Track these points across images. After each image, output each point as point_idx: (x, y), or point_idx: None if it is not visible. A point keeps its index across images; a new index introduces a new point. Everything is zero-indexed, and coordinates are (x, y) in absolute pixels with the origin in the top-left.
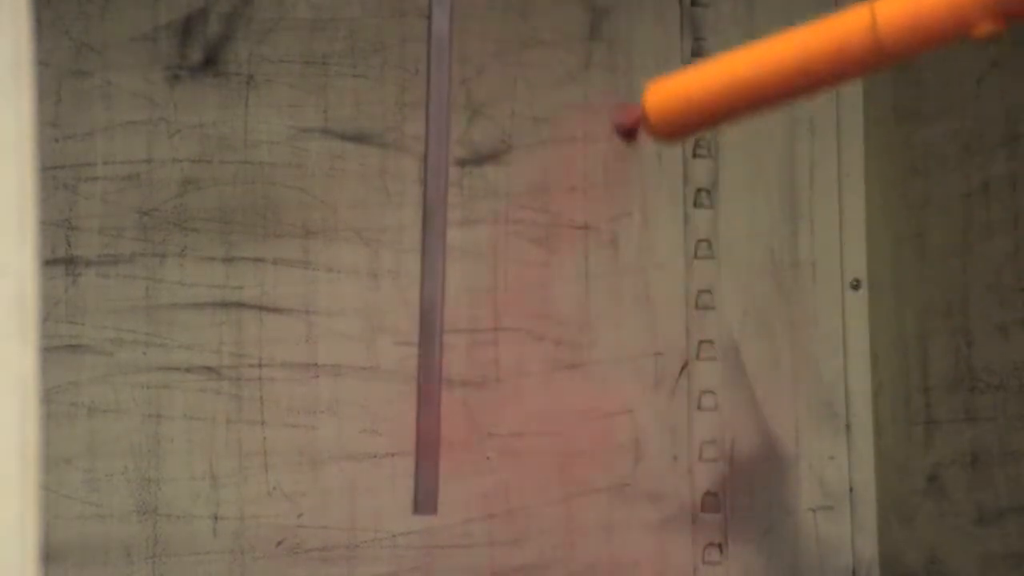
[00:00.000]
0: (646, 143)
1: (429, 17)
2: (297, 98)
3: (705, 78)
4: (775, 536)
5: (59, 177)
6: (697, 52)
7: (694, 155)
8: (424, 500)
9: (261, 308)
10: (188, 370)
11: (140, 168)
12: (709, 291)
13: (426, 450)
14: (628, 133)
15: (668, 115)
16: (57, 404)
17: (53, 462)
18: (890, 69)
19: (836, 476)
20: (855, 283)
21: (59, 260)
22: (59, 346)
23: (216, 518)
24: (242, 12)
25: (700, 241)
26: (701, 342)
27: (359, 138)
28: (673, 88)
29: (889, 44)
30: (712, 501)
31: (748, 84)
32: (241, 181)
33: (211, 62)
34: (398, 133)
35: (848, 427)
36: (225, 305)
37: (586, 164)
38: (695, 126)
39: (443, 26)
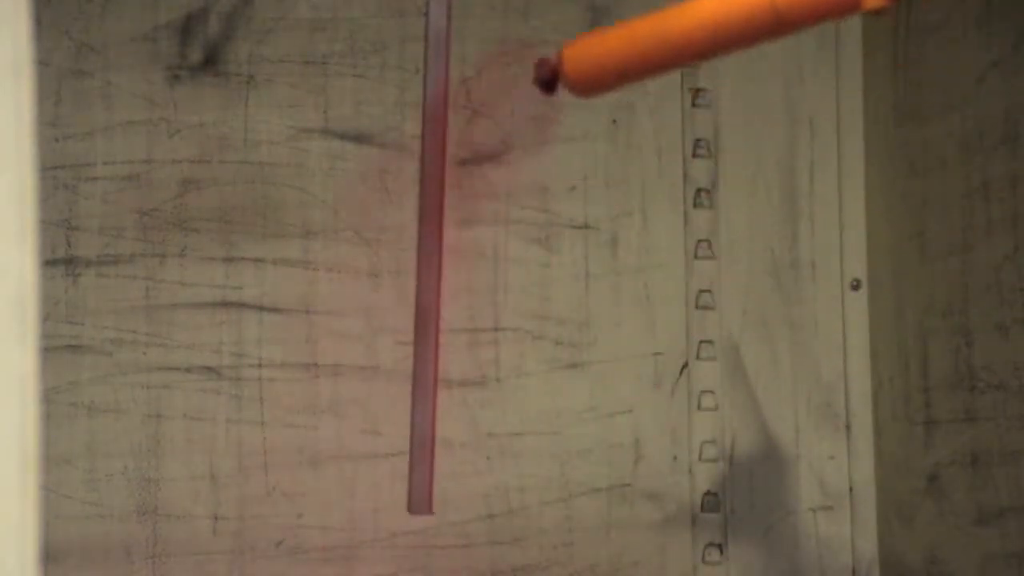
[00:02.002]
0: (571, 98)
1: (426, 15)
2: (297, 98)
3: (617, 39)
4: (775, 536)
5: (59, 177)
6: None
7: (694, 155)
8: (418, 500)
9: (261, 308)
10: (188, 370)
11: (140, 168)
12: (709, 291)
13: (420, 450)
14: (547, 85)
15: (583, 71)
16: (57, 404)
17: (53, 462)
18: (890, 67)
19: (836, 476)
20: (855, 283)
21: (59, 260)
22: (59, 346)
23: (216, 518)
24: (242, 12)
25: (700, 241)
26: (701, 342)
27: (359, 138)
28: (588, 47)
29: (786, 12)
30: (712, 501)
31: (656, 46)
32: (241, 181)
33: (211, 62)
34: (398, 133)
35: (848, 427)
36: (225, 305)
37: (586, 164)
38: (608, 84)
39: (440, 24)
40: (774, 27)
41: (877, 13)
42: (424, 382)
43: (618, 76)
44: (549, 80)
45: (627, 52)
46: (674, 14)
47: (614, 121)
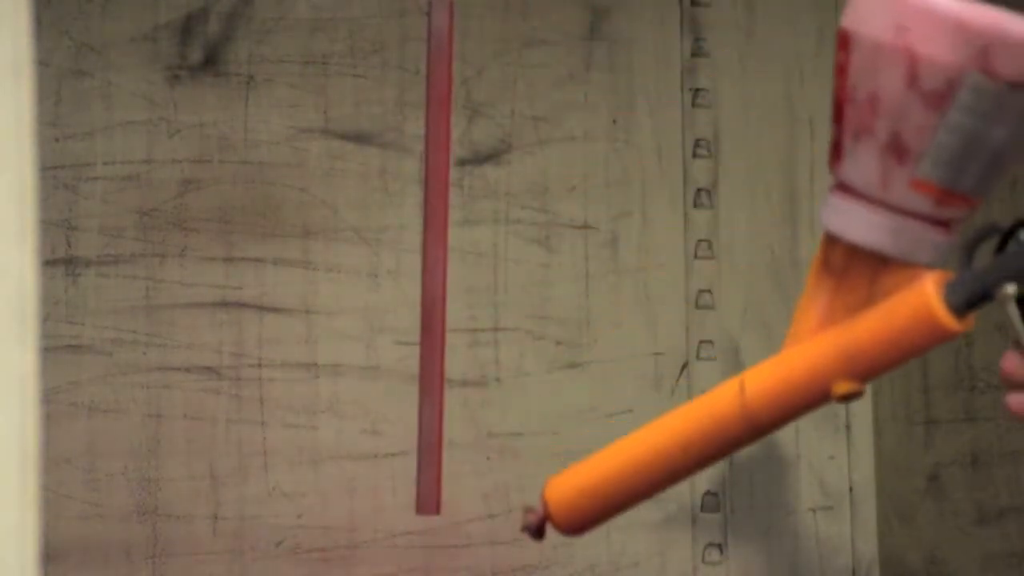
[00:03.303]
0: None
1: (428, 15)
2: (297, 98)
3: (596, 471)
4: (775, 536)
5: (59, 177)
6: (697, 52)
7: (694, 155)
8: (426, 500)
9: (261, 308)
10: (188, 370)
11: (140, 168)
12: (709, 291)
13: (428, 449)
14: (537, 532)
15: (569, 512)
16: (57, 404)
17: (53, 462)
18: None
19: (836, 476)
20: None
21: (59, 260)
22: (59, 346)
23: (216, 518)
24: (242, 12)
25: (700, 241)
26: (701, 342)
27: (359, 138)
28: (568, 485)
29: (757, 413)
30: (712, 501)
31: (637, 471)
32: (241, 181)
33: (211, 62)
34: (398, 133)
35: (848, 427)
36: (225, 305)
37: (586, 164)
38: (596, 516)
39: (442, 24)
40: (748, 433)
41: (848, 399)
42: (431, 382)
43: (607, 511)
44: (538, 528)
45: (609, 487)
46: (647, 434)
47: (614, 121)
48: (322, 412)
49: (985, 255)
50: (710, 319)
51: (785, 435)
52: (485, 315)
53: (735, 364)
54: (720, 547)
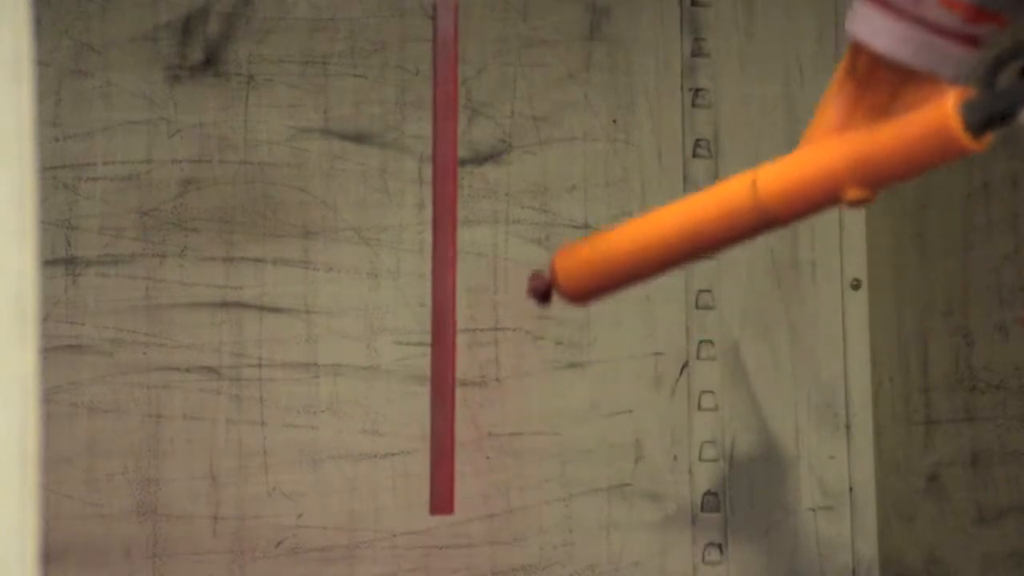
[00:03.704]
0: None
1: (433, 18)
2: (297, 98)
3: (606, 246)
4: (775, 536)
5: (59, 177)
6: (697, 52)
7: (694, 155)
8: (440, 500)
9: (261, 308)
10: (188, 370)
11: (140, 168)
12: (709, 291)
13: (440, 449)
14: (542, 296)
15: (574, 281)
16: (57, 404)
17: (53, 462)
18: None
19: (836, 476)
20: (855, 283)
21: (59, 260)
22: (59, 346)
23: (216, 518)
24: (242, 12)
25: None
26: (701, 342)
27: (359, 138)
28: (577, 256)
29: (770, 208)
30: (712, 501)
31: (645, 251)
32: (241, 181)
33: (211, 62)
34: (398, 133)
35: (848, 427)
36: (225, 305)
37: (586, 164)
38: (601, 290)
39: (448, 27)
40: (758, 226)
41: (858, 204)
42: (442, 381)
43: (610, 285)
44: (544, 292)
45: (616, 262)
46: (658, 218)
47: (614, 121)
48: (322, 412)
49: (1009, 77)
50: (710, 319)
51: (785, 435)
52: (485, 315)
53: (735, 364)
54: (720, 547)
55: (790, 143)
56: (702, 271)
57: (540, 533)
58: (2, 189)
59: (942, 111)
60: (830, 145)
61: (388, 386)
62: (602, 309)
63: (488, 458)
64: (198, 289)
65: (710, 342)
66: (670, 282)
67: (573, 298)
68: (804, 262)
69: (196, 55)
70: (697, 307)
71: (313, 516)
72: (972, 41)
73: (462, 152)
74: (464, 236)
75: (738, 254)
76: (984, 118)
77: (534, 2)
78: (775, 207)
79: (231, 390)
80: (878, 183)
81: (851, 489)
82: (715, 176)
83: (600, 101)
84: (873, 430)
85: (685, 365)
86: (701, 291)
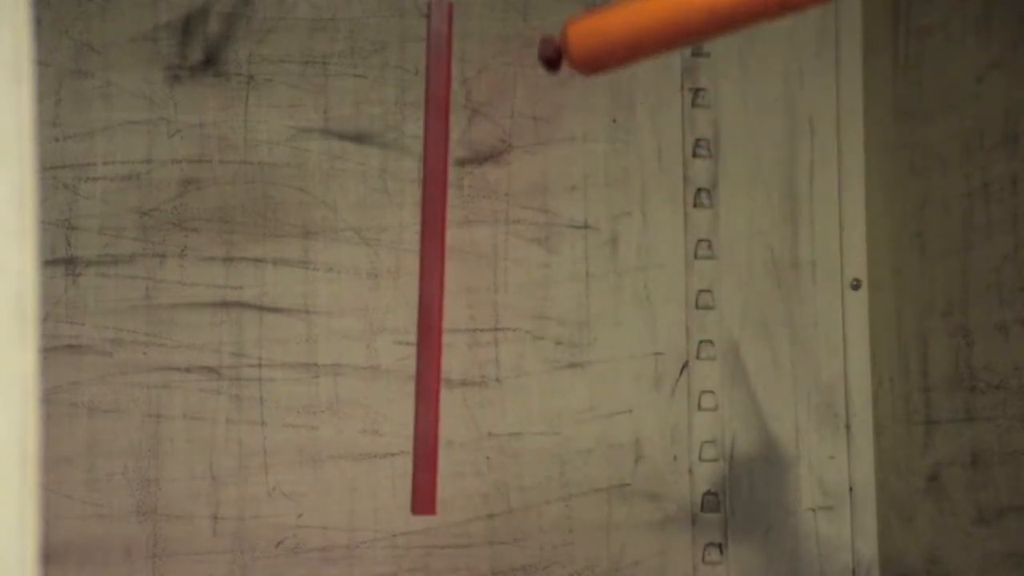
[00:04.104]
0: (577, 78)
1: (428, 16)
2: (297, 98)
3: (623, 14)
4: (775, 536)
5: (59, 177)
6: (697, 52)
7: (694, 155)
8: (421, 500)
9: (261, 308)
10: (188, 370)
11: (140, 168)
12: (709, 291)
13: (424, 450)
14: (551, 63)
15: (588, 49)
16: (57, 404)
17: (53, 462)
18: (890, 67)
19: (836, 476)
20: (855, 283)
21: (59, 260)
22: (59, 346)
23: (216, 518)
24: (242, 12)
25: (700, 241)
26: (701, 342)
27: (359, 138)
28: (591, 24)
29: None
30: (712, 501)
31: (662, 22)
32: (241, 181)
33: (211, 62)
34: (398, 133)
35: (848, 427)
36: (225, 305)
37: (586, 164)
38: (613, 61)
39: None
40: (776, 6)
41: None
42: (427, 382)
43: (624, 53)
44: (553, 58)
45: (632, 29)
46: None
47: (614, 121)
48: (322, 412)
49: None
50: (710, 319)
51: (785, 435)
52: (485, 315)
53: (735, 364)
54: (720, 547)
55: (790, 143)
56: (702, 271)
57: (540, 533)
58: (2, 189)
59: None
60: None
61: (388, 386)
62: (602, 309)
63: (488, 458)
64: (198, 289)
65: (710, 342)
66: (670, 282)
67: (583, 66)
68: (804, 262)
69: (196, 55)
70: (697, 307)
71: (313, 516)
72: None
73: (462, 152)
74: (464, 236)
75: (738, 254)
76: None
77: (534, 2)
78: None
79: (231, 390)
80: None
81: (851, 489)
82: (715, 176)
83: (600, 101)
84: (873, 430)
85: (685, 365)
86: (701, 291)
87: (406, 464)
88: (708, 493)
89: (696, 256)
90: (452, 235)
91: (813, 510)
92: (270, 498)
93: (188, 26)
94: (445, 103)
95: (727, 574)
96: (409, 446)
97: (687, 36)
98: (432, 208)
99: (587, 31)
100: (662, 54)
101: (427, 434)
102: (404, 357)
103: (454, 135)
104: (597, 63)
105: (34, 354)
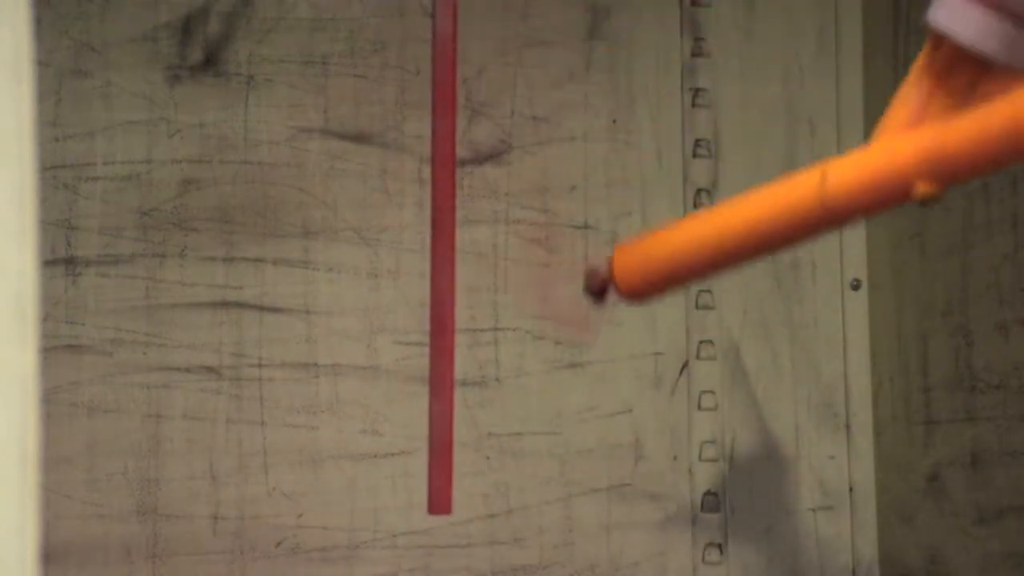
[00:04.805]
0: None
1: (433, 16)
2: (297, 98)
3: (667, 241)
4: (775, 536)
5: (59, 177)
6: (697, 52)
7: (694, 155)
8: (437, 499)
9: (261, 308)
10: (188, 370)
11: (140, 168)
12: (709, 291)
13: (439, 450)
14: (598, 294)
15: (634, 277)
16: (57, 404)
17: (53, 462)
18: (890, 67)
19: (836, 476)
20: (855, 283)
21: (59, 260)
22: (59, 346)
23: (216, 518)
24: (242, 12)
25: None
26: (701, 342)
27: (359, 138)
28: (637, 252)
29: (837, 204)
30: (712, 501)
31: (708, 247)
32: (241, 181)
33: (211, 62)
34: (398, 133)
35: (848, 427)
36: (225, 305)
37: (586, 164)
38: (661, 287)
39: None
40: (823, 223)
41: (928, 202)
42: (441, 383)
43: (672, 282)
44: (601, 290)
45: (679, 259)
46: (721, 215)
47: (614, 121)
48: (322, 412)
49: None
50: (710, 319)
51: (785, 435)
52: (485, 315)
53: (735, 364)
54: (720, 547)
55: (790, 143)
56: None
57: (540, 533)
58: (2, 189)
59: (1021, 108)
60: (902, 139)
61: (388, 386)
62: (602, 309)
63: (488, 458)
64: (198, 289)
65: (710, 342)
66: None
67: (632, 296)
68: (804, 262)
69: (196, 55)
70: (697, 307)
71: (313, 516)
72: None
73: (462, 152)
74: (464, 236)
75: None
76: None
77: (534, 2)
78: (843, 202)
79: (231, 390)
80: (950, 178)
81: (851, 489)
82: (715, 176)
83: (600, 101)
84: (873, 430)
85: (685, 365)
86: (701, 291)
87: (406, 464)
88: (708, 493)
89: None
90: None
91: (813, 510)
92: (270, 498)
93: (188, 26)
94: (451, 103)
95: (727, 574)
96: (409, 446)
97: (737, 259)
98: (441, 207)
99: (634, 260)
100: (710, 277)
101: (442, 434)
102: (404, 357)
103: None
104: (644, 293)
105: (34, 354)
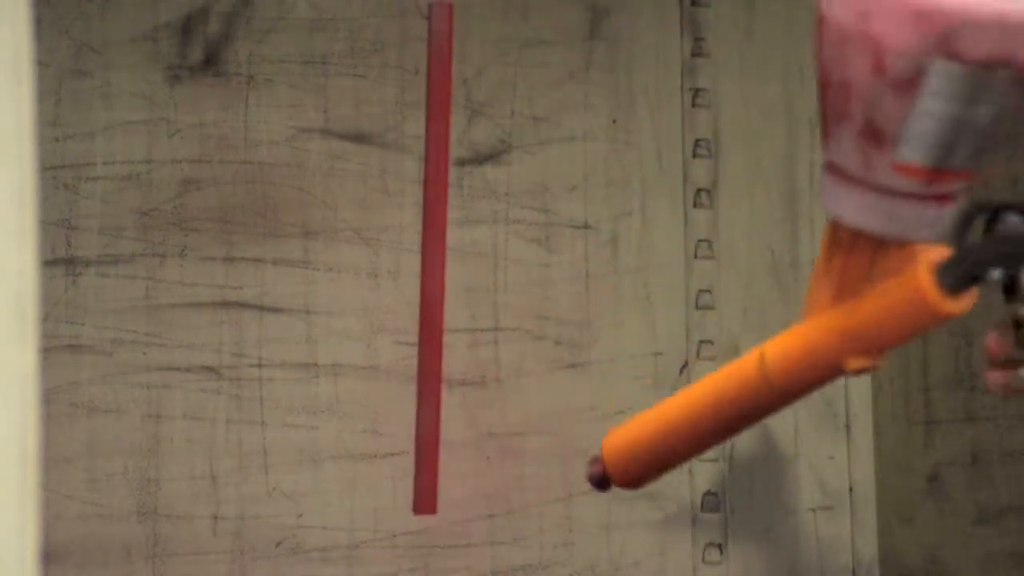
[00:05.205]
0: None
1: (429, 17)
2: (297, 98)
3: (642, 432)
4: (775, 536)
5: (59, 177)
6: (697, 52)
7: (694, 155)
8: (423, 499)
9: (261, 308)
10: (188, 370)
11: (140, 168)
12: (709, 291)
13: (425, 449)
14: (600, 484)
15: (623, 469)
16: (57, 404)
17: (53, 462)
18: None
19: (836, 476)
20: None
21: (59, 260)
22: (59, 346)
23: (216, 518)
24: (242, 12)
25: (700, 241)
26: (701, 342)
27: (359, 138)
28: (619, 444)
29: (779, 383)
30: (712, 501)
31: (674, 435)
32: (241, 181)
33: (211, 62)
34: (398, 133)
35: (848, 427)
36: (225, 305)
37: (586, 164)
38: (646, 474)
39: (442, 28)
40: (773, 401)
41: (862, 372)
42: (428, 382)
43: (657, 469)
44: (602, 480)
45: (655, 448)
46: (684, 400)
47: (614, 121)
48: (322, 412)
49: (976, 234)
50: (710, 319)
51: (785, 435)
52: (485, 315)
53: None
54: (720, 547)
55: (790, 143)
56: (702, 271)
57: (540, 533)
58: (2, 189)
59: (916, 282)
60: (825, 320)
61: (388, 386)
62: (602, 309)
63: (488, 458)
64: (198, 289)
65: (710, 342)
66: (670, 282)
67: (626, 485)
68: (804, 262)
69: (196, 55)
70: (697, 307)
71: (313, 516)
72: (943, 199)
73: (462, 152)
74: (464, 236)
75: (738, 254)
76: (958, 281)
77: (534, 2)
78: (784, 382)
79: (231, 390)
80: (875, 352)
81: (851, 489)
82: (715, 176)
83: (600, 101)
84: (873, 430)
85: (685, 365)
86: (701, 291)
87: (406, 464)
88: (708, 493)
89: (696, 256)
90: (452, 235)
91: (813, 510)
92: (270, 498)
93: (188, 26)
94: (446, 103)
95: (727, 574)
96: (409, 446)
97: (705, 441)
98: (433, 208)
99: (619, 454)
100: (693, 457)
101: (428, 435)
102: (404, 357)
103: (454, 135)
104: (639, 480)
105: (34, 354)
